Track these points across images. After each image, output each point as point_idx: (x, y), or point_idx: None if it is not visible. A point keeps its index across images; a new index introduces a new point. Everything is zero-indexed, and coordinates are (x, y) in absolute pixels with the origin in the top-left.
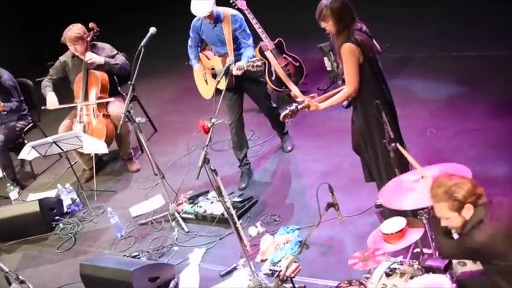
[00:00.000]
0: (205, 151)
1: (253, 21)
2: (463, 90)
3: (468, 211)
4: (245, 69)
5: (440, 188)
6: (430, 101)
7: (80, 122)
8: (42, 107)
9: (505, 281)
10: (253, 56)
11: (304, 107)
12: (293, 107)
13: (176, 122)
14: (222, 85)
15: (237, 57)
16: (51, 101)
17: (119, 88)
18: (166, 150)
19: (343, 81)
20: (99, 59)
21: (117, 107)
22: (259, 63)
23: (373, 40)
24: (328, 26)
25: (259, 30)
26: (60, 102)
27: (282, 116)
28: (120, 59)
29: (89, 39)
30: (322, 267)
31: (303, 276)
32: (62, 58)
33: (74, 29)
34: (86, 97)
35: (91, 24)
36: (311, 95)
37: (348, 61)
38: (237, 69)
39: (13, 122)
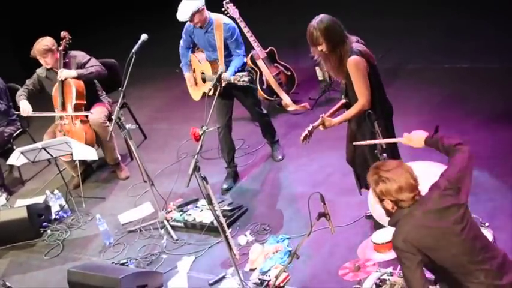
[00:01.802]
0: (195, 159)
1: (245, 30)
2: (454, 102)
3: (388, 205)
4: (231, 82)
5: (371, 173)
6: (422, 112)
7: (60, 131)
8: (16, 112)
9: None
10: (242, 66)
11: (319, 124)
12: (310, 127)
13: (166, 130)
14: (210, 92)
15: (227, 64)
16: (24, 108)
17: (104, 94)
18: (156, 157)
19: (346, 95)
20: (71, 74)
21: (97, 113)
22: (245, 79)
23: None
24: (323, 47)
25: (251, 39)
26: (39, 112)
27: (301, 139)
28: (94, 66)
29: (61, 48)
30: (311, 277)
31: (292, 286)
32: (38, 70)
33: (43, 42)
34: (63, 107)
35: (62, 33)
36: (302, 104)
37: (355, 74)
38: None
39: (2, 127)
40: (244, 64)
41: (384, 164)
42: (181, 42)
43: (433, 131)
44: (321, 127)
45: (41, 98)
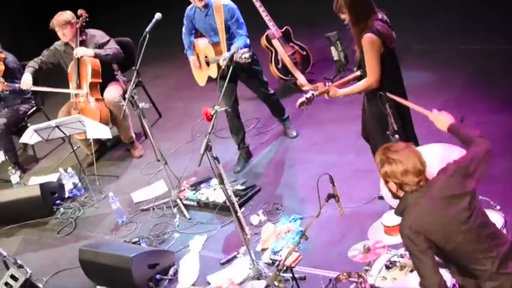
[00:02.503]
0: (207, 138)
1: (261, 9)
2: (468, 83)
3: (392, 187)
4: (233, 59)
5: (380, 154)
6: (435, 93)
7: (75, 109)
8: (16, 85)
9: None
10: (245, 46)
11: (322, 92)
12: (309, 94)
13: (181, 108)
14: (213, 73)
15: (230, 47)
16: (25, 81)
17: (119, 73)
18: (170, 136)
19: (359, 67)
20: (88, 53)
21: (112, 91)
22: (247, 55)
23: (392, 30)
24: (346, 17)
25: (267, 18)
26: (55, 87)
27: (298, 104)
28: (112, 48)
29: (78, 25)
30: (322, 258)
31: (304, 266)
32: (56, 44)
33: (63, 15)
34: (79, 85)
35: (80, 11)
36: (317, 84)
37: (368, 52)
38: (223, 60)
39: (16, 105)
40: (247, 46)
41: (394, 145)
42: (183, 28)
43: (460, 119)
44: (325, 95)
45: (56, 74)
